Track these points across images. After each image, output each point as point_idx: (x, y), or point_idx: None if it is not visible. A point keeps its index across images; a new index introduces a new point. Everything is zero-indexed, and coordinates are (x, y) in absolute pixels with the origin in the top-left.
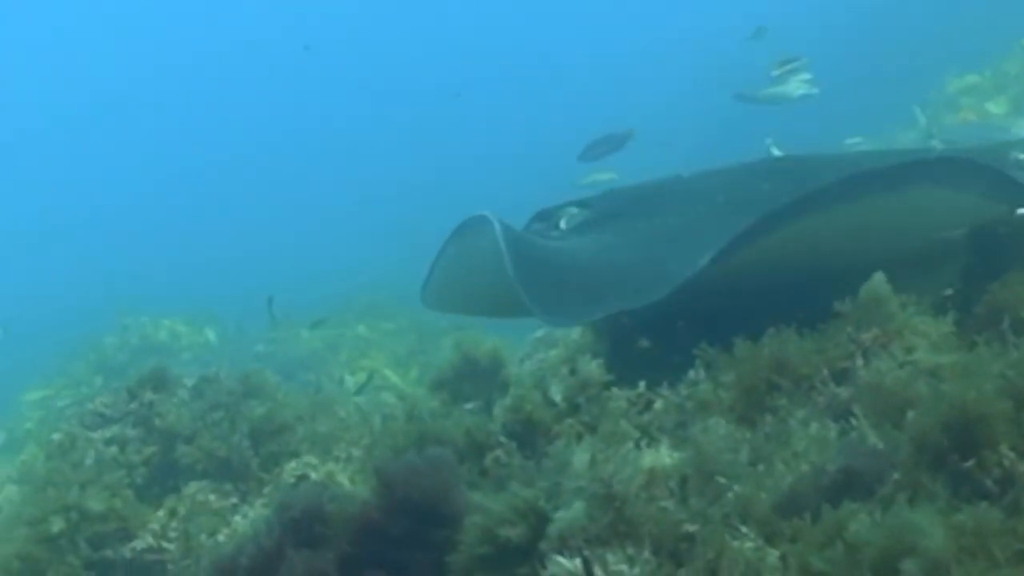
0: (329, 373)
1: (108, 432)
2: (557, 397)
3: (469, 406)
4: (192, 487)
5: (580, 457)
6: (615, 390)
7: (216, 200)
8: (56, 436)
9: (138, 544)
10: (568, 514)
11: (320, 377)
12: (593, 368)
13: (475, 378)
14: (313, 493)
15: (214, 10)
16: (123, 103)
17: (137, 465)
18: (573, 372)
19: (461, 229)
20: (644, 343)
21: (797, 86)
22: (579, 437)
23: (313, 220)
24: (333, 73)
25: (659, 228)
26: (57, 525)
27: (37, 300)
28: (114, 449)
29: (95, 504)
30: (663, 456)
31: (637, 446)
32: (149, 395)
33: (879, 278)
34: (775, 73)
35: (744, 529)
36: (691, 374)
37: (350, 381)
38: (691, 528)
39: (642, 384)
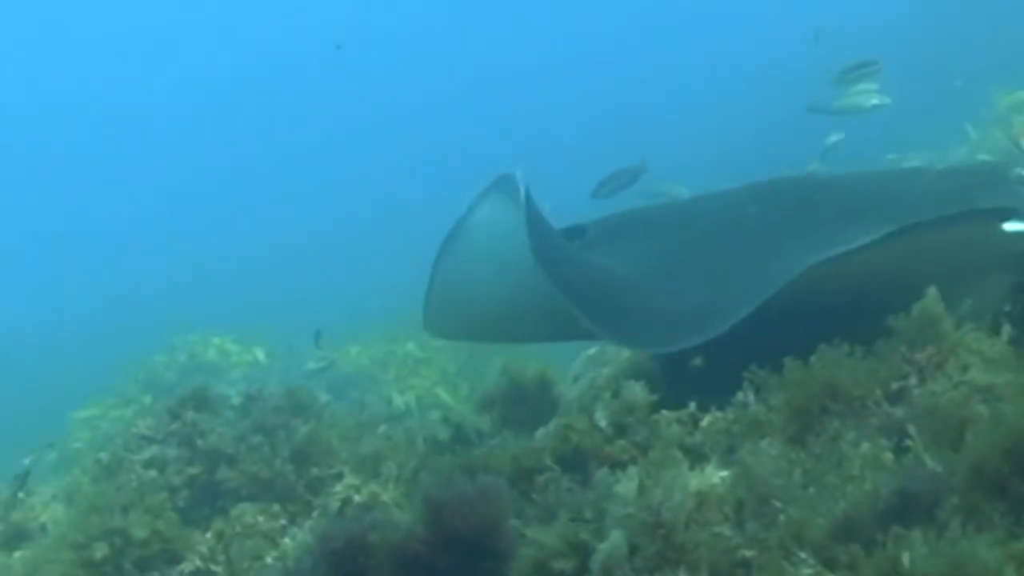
0: (378, 391)
1: (149, 453)
2: (603, 423)
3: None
4: (239, 509)
5: (627, 485)
6: (664, 412)
7: (261, 213)
8: (100, 457)
9: (185, 567)
10: (608, 545)
11: (365, 395)
12: (637, 391)
13: (523, 400)
14: (356, 523)
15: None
16: (177, 123)
17: (180, 487)
18: (616, 395)
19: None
20: (697, 361)
21: (869, 96)
22: (629, 462)
23: (354, 232)
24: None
25: (664, 255)
26: (101, 551)
27: (88, 317)
28: (153, 472)
29: (139, 528)
30: (711, 478)
31: (686, 470)
32: (191, 415)
33: (933, 295)
34: (838, 79)
35: (803, 555)
36: (740, 396)
37: (399, 400)
38: (747, 553)
39: (692, 404)
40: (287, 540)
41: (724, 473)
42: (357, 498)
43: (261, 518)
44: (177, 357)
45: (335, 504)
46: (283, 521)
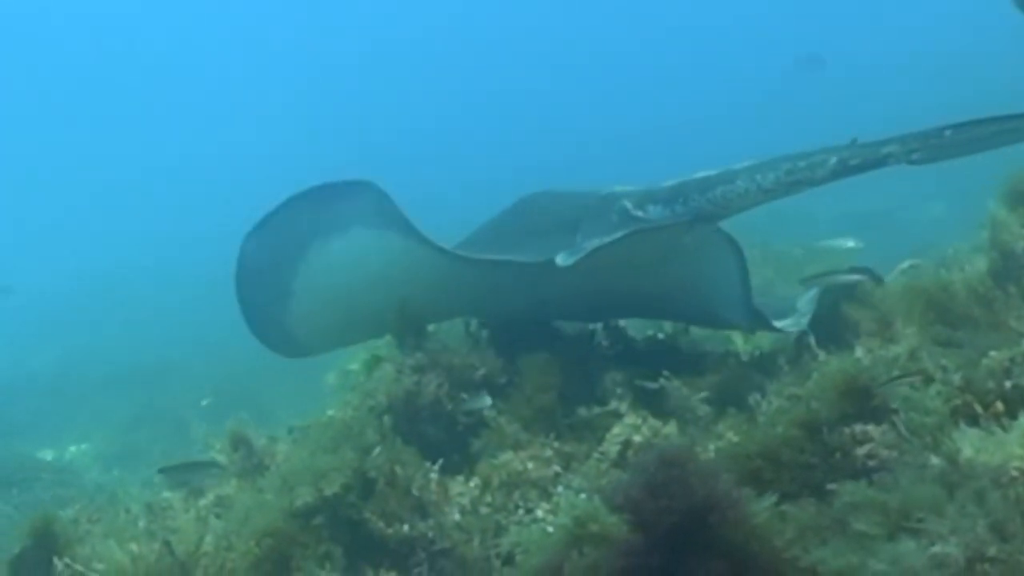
0: None
1: (401, 387)
2: None
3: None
4: (507, 455)
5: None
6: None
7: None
8: (357, 392)
9: (443, 520)
10: None
11: None
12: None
13: None
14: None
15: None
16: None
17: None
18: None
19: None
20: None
21: None
22: None
23: None
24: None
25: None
26: (304, 498)
27: None
28: (386, 418)
29: (381, 473)
30: None
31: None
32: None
33: None
34: None
35: None
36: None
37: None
38: None
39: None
40: (560, 489)
41: None
42: (637, 438)
43: (531, 464)
44: None
45: (614, 448)
46: (557, 468)
